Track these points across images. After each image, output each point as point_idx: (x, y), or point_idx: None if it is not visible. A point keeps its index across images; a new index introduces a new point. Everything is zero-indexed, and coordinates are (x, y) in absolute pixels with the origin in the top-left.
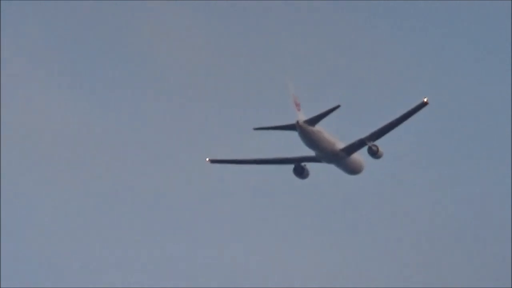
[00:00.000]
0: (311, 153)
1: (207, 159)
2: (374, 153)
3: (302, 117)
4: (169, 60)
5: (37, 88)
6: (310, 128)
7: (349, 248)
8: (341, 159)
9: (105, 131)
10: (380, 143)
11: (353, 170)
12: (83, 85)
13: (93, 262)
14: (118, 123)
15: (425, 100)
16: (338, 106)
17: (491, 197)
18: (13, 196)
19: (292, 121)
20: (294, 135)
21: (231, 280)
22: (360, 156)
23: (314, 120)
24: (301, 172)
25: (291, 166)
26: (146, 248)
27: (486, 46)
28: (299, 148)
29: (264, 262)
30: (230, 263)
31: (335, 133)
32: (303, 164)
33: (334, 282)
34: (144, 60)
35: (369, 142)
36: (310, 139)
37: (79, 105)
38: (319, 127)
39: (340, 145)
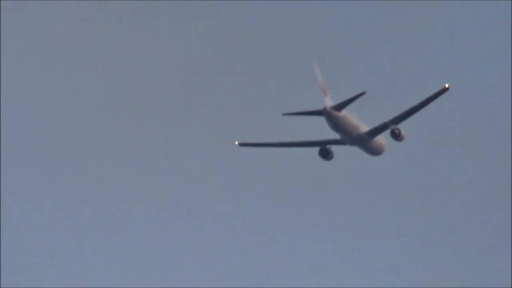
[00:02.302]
0: (336, 136)
1: (236, 143)
2: (397, 136)
3: (329, 103)
4: (197, 44)
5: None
6: (337, 113)
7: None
8: (365, 141)
9: (129, 119)
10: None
11: (375, 151)
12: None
13: (99, 261)
14: (139, 111)
15: (447, 85)
16: (363, 93)
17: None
18: (13, 196)
19: (319, 106)
20: (320, 119)
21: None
22: (382, 138)
23: (340, 106)
24: (326, 154)
25: (317, 149)
26: (158, 242)
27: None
28: (323, 131)
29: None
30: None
31: (359, 116)
32: (328, 146)
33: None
34: (172, 45)
35: (391, 126)
36: (336, 124)
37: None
38: (344, 112)
39: (364, 128)
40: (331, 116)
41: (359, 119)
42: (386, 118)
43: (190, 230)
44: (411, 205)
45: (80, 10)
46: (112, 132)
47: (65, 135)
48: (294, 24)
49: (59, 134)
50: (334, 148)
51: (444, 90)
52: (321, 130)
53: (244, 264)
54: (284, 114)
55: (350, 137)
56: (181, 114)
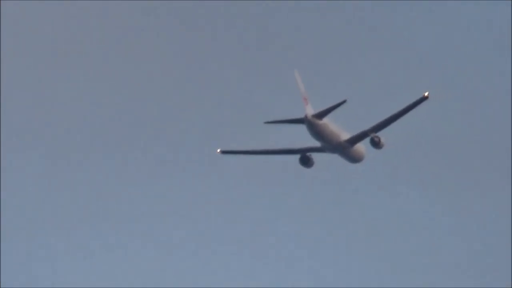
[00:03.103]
0: (316, 144)
1: (218, 150)
2: (376, 144)
3: (310, 111)
4: (179, 52)
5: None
6: (318, 121)
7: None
8: (345, 149)
9: (112, 126)
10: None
11: (355, 159)
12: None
13: (96, 261)
14: (126, 116)
15: (426, 94)
16: (344, 101)
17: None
18: (13, 196)
19: (300, 114)
20: (301, 127)
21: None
22: (362, 146)
23: (321, 114)
24: (306, 162)
25: (297, 156)
26: (151, 245)
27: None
28: (304, 139)
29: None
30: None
31: (339, 124)
32: (308, 154)
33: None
34: (156, 53)
35: (371, 134)
36: (317, 132)
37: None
38: (325, 120)
39: (345, 136)
40: (312, 124)
41: (339, 127)
42: (366, 126)
43: (170, 235)
44: (389, 212)
45: (80, 10)
46: (95, 137)
47: (63, 135)
48: (275, 32)
49: (58, 133)
50: (314, 156)
51: (424, 98)
52: (302, 138)
53: (232, 266)
54: (266, 122)
55: (330, 144)
56: (163, 121)
